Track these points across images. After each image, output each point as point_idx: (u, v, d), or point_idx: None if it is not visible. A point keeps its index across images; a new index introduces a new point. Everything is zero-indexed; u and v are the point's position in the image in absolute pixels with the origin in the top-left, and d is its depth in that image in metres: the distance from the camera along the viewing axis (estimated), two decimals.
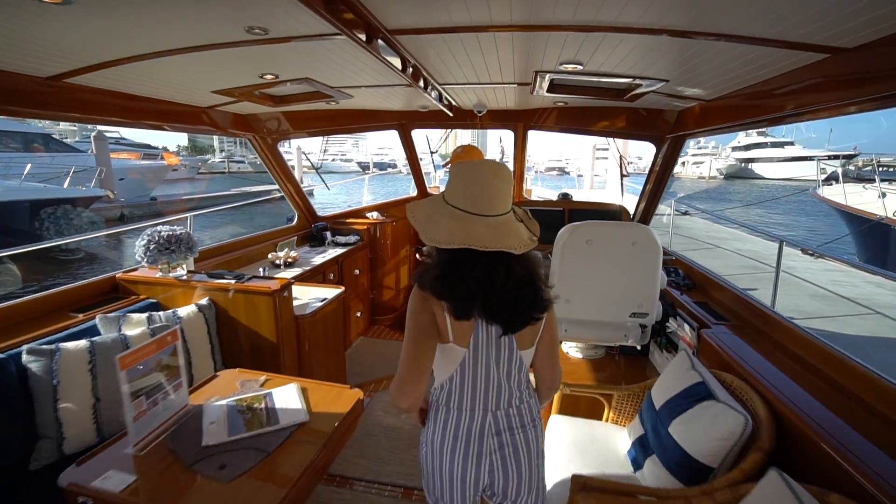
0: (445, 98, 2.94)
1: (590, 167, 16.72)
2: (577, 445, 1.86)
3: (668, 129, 2.87)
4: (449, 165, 2.81)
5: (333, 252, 3.93)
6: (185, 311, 2.22)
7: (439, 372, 1.23)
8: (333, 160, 37.26)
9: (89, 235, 8.70)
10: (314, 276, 3.51)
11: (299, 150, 16.28)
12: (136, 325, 2.04)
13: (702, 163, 46.06)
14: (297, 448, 1.38)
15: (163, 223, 3.88)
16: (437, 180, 6.44)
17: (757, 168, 40.57)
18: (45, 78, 1.77)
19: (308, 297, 2.73)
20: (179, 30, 1.46)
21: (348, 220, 4.55)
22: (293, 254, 3.59)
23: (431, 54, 1.93)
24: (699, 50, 1.54)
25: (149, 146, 24.08)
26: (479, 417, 1.20)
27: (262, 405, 1.57)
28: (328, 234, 4.32)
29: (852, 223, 9.73)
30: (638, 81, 2.04)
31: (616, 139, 3.69)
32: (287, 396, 1.62)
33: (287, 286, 2.32)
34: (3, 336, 1.87)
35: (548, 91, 2.44)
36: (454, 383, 1.20)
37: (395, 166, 35.26)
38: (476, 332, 1.15)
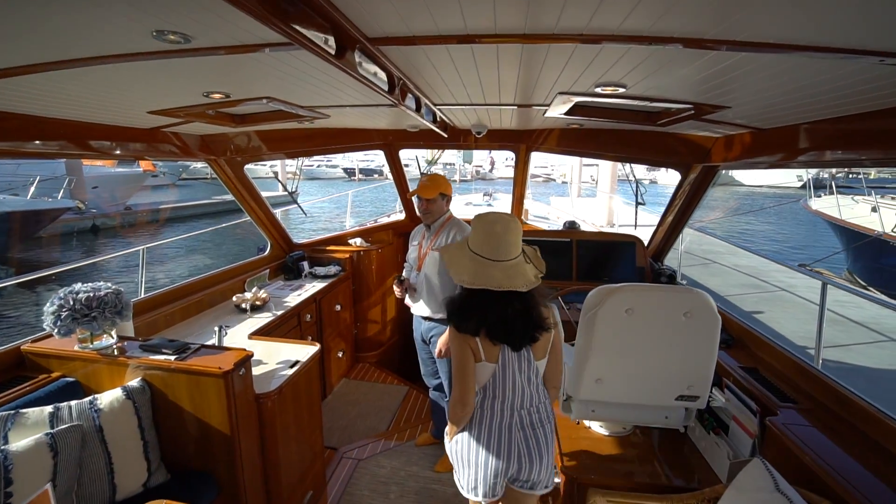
0: (440, 118, 2.50)
1: (577, 175, 16.48)
2: None
3: (702, 156, 2.47)
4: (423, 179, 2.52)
5: (311, 288, 3.45)
6: (107, 397, 1.72)
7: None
8: (318, 166, 36.44)
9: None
10: (289, 320, 3.03)
11: (282, 163, 15.68)
12: (30, 429, 1.53)
13: None
14: None
15: (109, 258, 3.35)
16: None
17: (737, 174, 40.96)
18: None
19: (275, 359, 2.24)
20: (78, 35, 0.99)
21: (328, 248, 4.06)
22: (262, 294, 3.09)
23: (426, 69, 1.48)
24: (783, 70, 1.13)
25: None
26: (507, 416, 1.51)
27: None
28: (305, 264, 3.83)
29: (847, 238, 9.59)
30: (688, 107, 1.62)
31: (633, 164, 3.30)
32: None
33: (244, 362, 1.83)
34: None
35: (566, 113, 2.02)
36: (487, 391, 1.51)
37: (381, 173, 34.60)
38: (503, 350, 1.47)
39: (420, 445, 2.94)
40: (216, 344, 2.23)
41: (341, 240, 4.19)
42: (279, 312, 2.94)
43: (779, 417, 1.68)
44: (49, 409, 1.63)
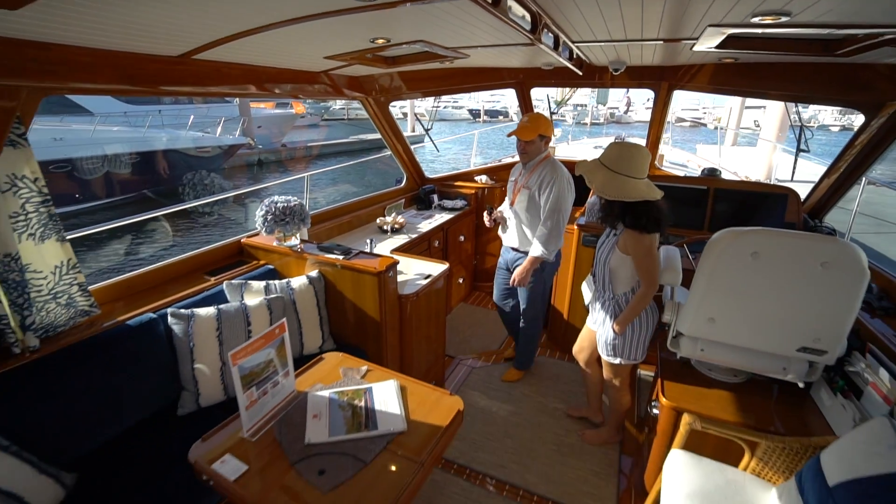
0: (577, 55, 2.49)
1: (735, 119, 14.02)
2: (707, 497, 1.56)
3: (893, 91, 2.08)
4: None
5: (440, 218, 3.85)
6: (297, 282, 2.31)
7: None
8: (445, 107, 36.92)
9: (222, 196, 10.29)
10: (420, 244, 3.48)
11: (412, 103, 16.32)
12: (255, 295, 2.17)
13: None
14: (392, 461, 1.33)
15: (285, 182, 4.14)
16: (553, 140, 5.87)
17: None
18: (175, 56, 1.82)
19: (412, 271, 2.68)
20: (291, 2, 1.33)
21: (456, 184, 4.39)
22: (400, 219, 3.58)
23: (566, 5, 1.54)
24: None
25: None
26: None
27: (363, 403, 1.55)
28: (435, 196, 4.23)
29: None
30: (876, 32, 1.42)
31: (799, 104, 2.85)
32: (386, 396, 1.58)
33: (392, 266, 2.27)
34: (157, 295, 2.12)
35: (717, 47, 1.88)
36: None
37: (506, 114, 33.73)
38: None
39: (506, 381, 3.09)
40: (370, 251, 2.75)
41: (468, 176, 4.48)
42: (413, 236, 3.40)
43: None
44: (263, 283, 2.27)
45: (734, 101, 13.64)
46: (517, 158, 2.81)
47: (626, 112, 32.66)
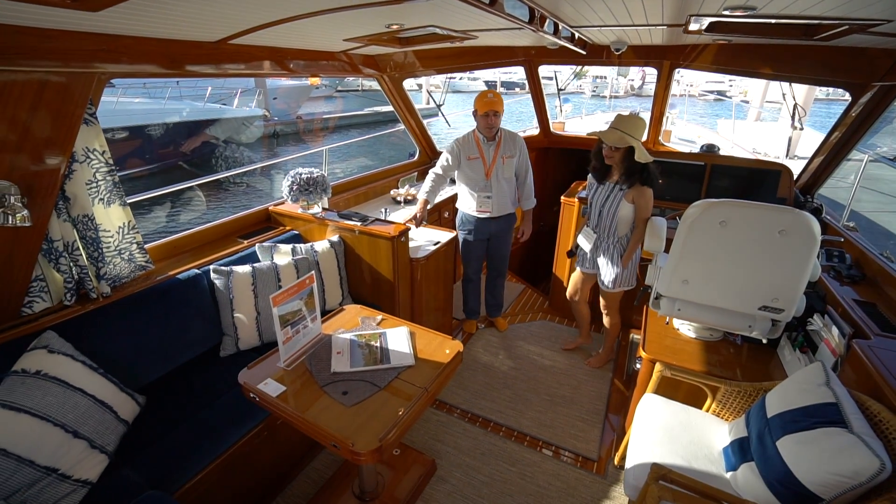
0: (578, 37, 2.64)
1: (761, 93, 13.60)
2: (669, 430, 1.83)
3: (878, 73, 2.20)
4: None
5: (450, 190, 4.06)
6: (320, 245, 2.60)
7: None
8: (461, 79, 36.25)
9: (251, 167, 10.89)
10: (431, 214, 3.72)
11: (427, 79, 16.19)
12: (283, 255, 2.47)
13: None
14: (402, 388, 1.63)
15: (305, 154, 4.38)
16: (562, 115, 5.96)
17: None
18: (213, 42, 2.05)
19: (423, 238, 2.94)
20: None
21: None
22: (412, 191, 3.82)
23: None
24: None
25: None
26: None
27: (378, 343, 1.84)
28: None
29: None
30: (839, 22, 1.57)
31: (792, 84, 2.95)
32: (398, 339, 1.87)
33: (404, 232, 2.53)
34: (199, 255, 2.44)
35: (706, 31, 2.03)
36: None
37: (523, 86, 33.00)
38: None
39: (471, 333, 3.46)
40: (385, 219, 3.02)
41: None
42: None
43: (870, 343, 1.75)
44: (289, 246, 2.56)
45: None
46: (528, 133, 3.00)
47: (641, 86, 31.70)
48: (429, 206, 3.00)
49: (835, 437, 1.35)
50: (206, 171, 11.92)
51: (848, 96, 2.51)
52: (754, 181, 3.17)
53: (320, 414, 1.49)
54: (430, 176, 3.01)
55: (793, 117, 2.93)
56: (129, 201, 2.12)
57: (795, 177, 3.11)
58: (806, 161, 3.15)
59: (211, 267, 2.27)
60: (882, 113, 2.41)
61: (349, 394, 1.58)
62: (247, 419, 1.86)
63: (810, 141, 7.15)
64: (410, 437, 2.45)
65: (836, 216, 2.95)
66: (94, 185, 1.86)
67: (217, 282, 2.24)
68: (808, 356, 2.00)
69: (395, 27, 2.21)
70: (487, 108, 2.75)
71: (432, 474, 2.21)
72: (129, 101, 12.42)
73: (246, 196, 10.88)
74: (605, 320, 2.93)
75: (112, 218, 1.98)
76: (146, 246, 2.26)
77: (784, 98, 3.37)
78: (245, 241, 2.61)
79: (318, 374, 1.68)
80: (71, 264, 1.83)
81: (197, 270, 2.28)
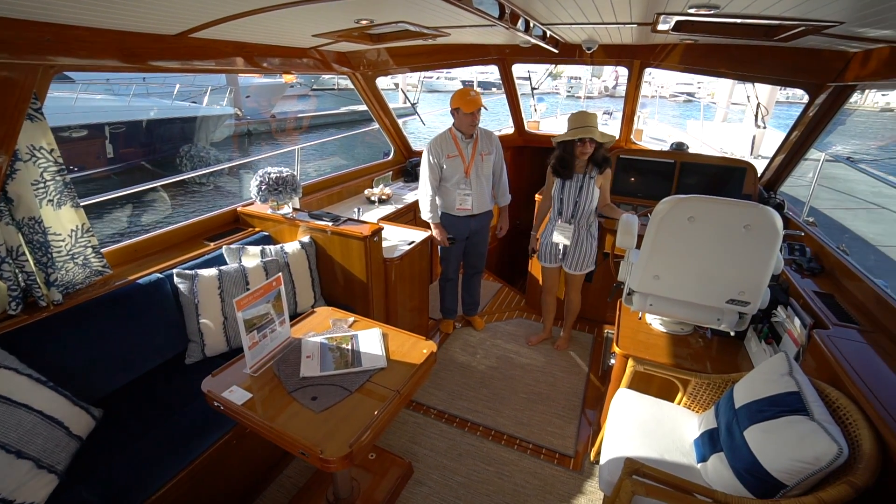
0: (550, 35, 2.65)
1: (727, 94, 14.10)
2: (642, 425, 1.85)
3: (833, 74, 2.29)
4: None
5: None
6: (290, 247, 2.52)
7: None
8: (438, 78, 36.19)
9: (219, 167, 10.61)
10: (405, 214, 3.68)
11: (403, 76, 16.09)
12: (252, 258, 2.39)
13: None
14: (374, 391, 1.59)
15: (277, 154, 4.28)
16: (537, 114, 6.00)
17: None
18: (175, 35, 1.96)
19: (397, 238, 2.90)
20: None
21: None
22: (387, 190, 3.77)
23: None
24: None
25: None
26: None
27: (349, 346, 1.79)
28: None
29: None
30: (797, 23, 1.62)
31: (756, 84, 3.04)
32: (370, 341, 1.83)
33: (377, 232, 2.49)
34: (162, 258, 2.33)
35: (673, 30, 2.06)
36: None
37: (499, 86, 33.16)
38: None
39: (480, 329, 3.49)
40: (358, 219, 2.96)
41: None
42: (399, 207, 3.60)
43: (829, 332, 1.82)
44: (258, 248, 2.47)
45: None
46: (504, 132, 3.00)
47: (614, 87, 32.44)
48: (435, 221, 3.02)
49: (797, 425, 1.39)
50: (171, 172, 11.51)
51: (806, 98, 2.61)
52: (721, 178, 3.26)
53: (288, 421, 1.44)
54: (425, 199, 2.96)
55: (756, 117, 3.03)
56: (84, 203, 2.01)
57: (760, 174, 3.21)
58: (768, 159, 3.27)
59: (175, 271, 2.18)
60: (836, 113, 2.51)
61: (319, 399, 1.53)
62: (214, 429, 1.79)
63: (773, 140, 7.44)
64: (386, 440, 2.40)
65: (797, 212, 3.07)
66: (42, 185, 1.75)
67: (181, 286, 2.15)
68: (773, 347, 2.06)
69: (364, 22, 2.17)
70: (474, 108, 2.75)
71: (409, 477, 2.18)
72: (91, 98, 11.88)
73: (214, 197, 10.59)
74: (570, 301, 3.12)
75: (63, 221, 1.86)
76: (104, 250, 2.15)
77: (748, 100, 3.48)
78: (212, 244, 2.52)
79: (287, 379, 1.62)
80: (16, 270, 1.72)
81: (160, 275, 2.18)
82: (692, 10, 1.59)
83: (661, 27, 2.00)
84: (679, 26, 2.00)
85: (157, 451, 1.66)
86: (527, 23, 2.12)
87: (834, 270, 2.35)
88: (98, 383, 1.87)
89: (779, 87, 3.13)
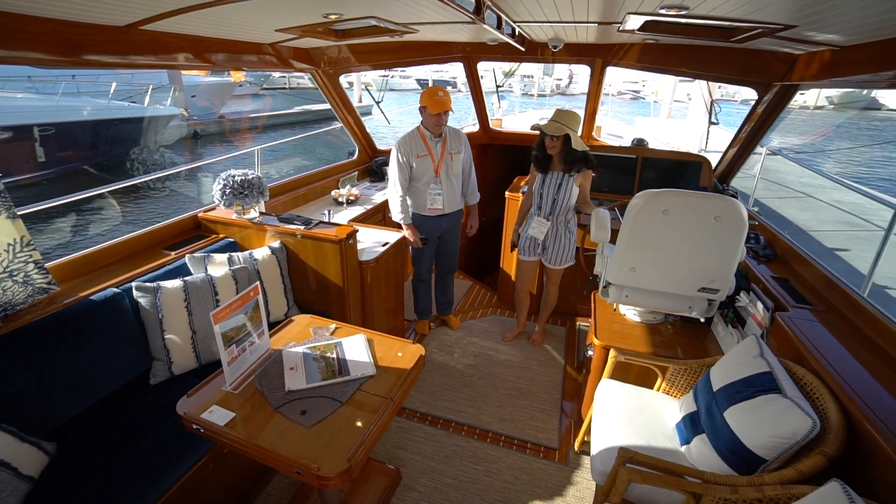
0: (519, 33, 2.67)
1: (670, 92, 14.91)
2: (626, 413, 1.91)
3: (779, 74, 2.45)
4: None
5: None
6: (260, 253, 2.40)
7: None
8: (392, 77, 35.79)
9: (174, 170, 9.94)
10: (375, 215, 3.60)
11: (358, 76, 15.82)
12: (219, 266, 2.25)
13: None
14: (365, 400, 1.53)
15: (234, 156, 4.06)
16: (500, 112, 6.07)
17: (882, 95, 33.48)
18: (121, 26, 1.80)
19: (370, 240, 2.83)
20: None
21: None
22: (355, 191, 3.67)
23: None
24: None
25: None
26: None
27: (334, 355, 1.72)
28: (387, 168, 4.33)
29: None
30: (754, 25, 1.71)
31: (709, 82, 3.22)
32: (355, 348, 1.77)
33: (352, 235, 2.41)
34: (118, 271, 2.14)
35: (639, 30, 2.13)
36: None
37: (454, 85, 33.38)
38: None
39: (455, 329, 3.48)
40: (329, 221, 2.86)
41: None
42: (368, 207, 3.52)
43: (789, 314, 1.95)
44: (225, 256, 2.33)
45: (669, 76, 14.46)
46: (467, 130, 2.98)
47: (568, 85, 33.55)
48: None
49: (773, 402, 1.47)
50: (119, 176, 10.67)
51: (738, 96, 2.79)
52: (678, 172, 3.43)
53: (278, 439, 1.36)
54: (395, 199, 2.89)
55: (710, 113, 3.22)
56: (20, 213, 1.80)
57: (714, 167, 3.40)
58: (715, 154, 3.47)
59: (133, 284, 2.00)
60: (782, 110, 2.70)
61: (308, 413, 1.45)
62: (188, 452, 1.66)
63: (718, 137, 7.95)
64: None
65: (744, 203, 3.28)
66: None
67: (142, 300, 1.98)
68: (738, 330, 2.19)
69: (332, 17, 2.09)
70: (441, 109, 2.70)
71: (398, 484, 2.13)
72: (11, 97, 10.78)
73: (170, 202, 9.92)
74: (548, 295, 3.17)
75: None
76: (48, 265, 1.94)
77: (688, 97, 3.67)
78: (172, 253, 2.34)
79: (271, 394, 1.53)
80: None
81: (116, 289, 2.00)
82: (663, 11, 1.65)
83: (628, 26, 2.06)
84: (645, 26, 2.07)
85: (123, 484, 1.52)
86: (498, 19, 2.12)
87: (786, 256, 2.52)
88: (51, 413, 1.69)
89: (717, 85, 3.35)
